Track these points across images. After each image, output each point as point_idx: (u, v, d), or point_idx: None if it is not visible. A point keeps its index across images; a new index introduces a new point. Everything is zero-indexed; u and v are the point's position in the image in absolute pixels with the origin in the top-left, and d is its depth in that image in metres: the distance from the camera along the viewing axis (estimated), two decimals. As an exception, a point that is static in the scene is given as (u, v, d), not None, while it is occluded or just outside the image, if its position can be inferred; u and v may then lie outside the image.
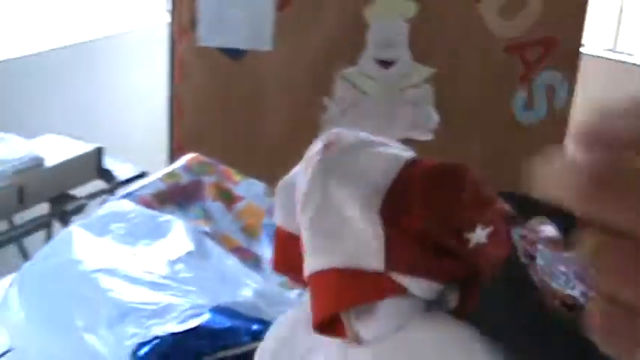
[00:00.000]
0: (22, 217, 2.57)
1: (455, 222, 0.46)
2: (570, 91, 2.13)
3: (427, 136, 2.11)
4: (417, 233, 0.46)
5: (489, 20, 2.07)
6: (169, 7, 2.14)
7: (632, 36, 3.50)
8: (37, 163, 2.46)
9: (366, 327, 0.48)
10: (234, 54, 2.08)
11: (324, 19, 2.06)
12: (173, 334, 0.87)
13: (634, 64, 3.46)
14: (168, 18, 2.16)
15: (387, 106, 2.10)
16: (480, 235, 0.45)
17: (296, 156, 0.64)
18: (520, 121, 2.14)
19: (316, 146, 0.54)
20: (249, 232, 1.17)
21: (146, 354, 0.85)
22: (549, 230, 0.50)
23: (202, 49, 2.08)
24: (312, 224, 0.50)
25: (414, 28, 2.06)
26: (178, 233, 1.09)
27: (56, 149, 2.60)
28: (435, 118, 2.11)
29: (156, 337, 0.86)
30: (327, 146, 0.53)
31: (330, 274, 0.48)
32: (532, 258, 0.46)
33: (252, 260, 1.09)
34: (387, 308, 0.47)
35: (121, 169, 2.69)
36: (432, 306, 0.47)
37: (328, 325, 0.50)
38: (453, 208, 0.47)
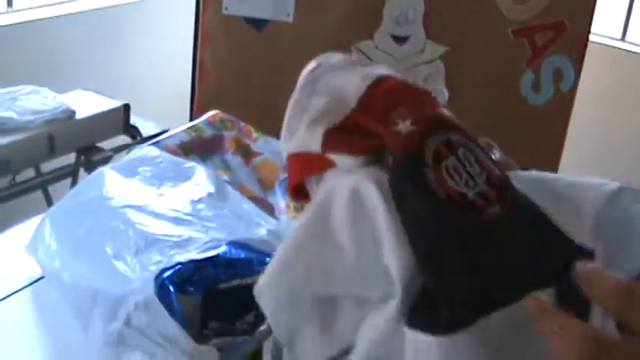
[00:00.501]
0: (48, 166, 2.63)
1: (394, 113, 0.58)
2: (577, 76, 2.15)
3: (437, 112, 2.15)
4: (356, 124, 0.60)
5: (501, 2, 2.08)
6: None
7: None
8: (69, 114, 2.52)
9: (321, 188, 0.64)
10: (256, 24, 2.11)
11: (343, -7, 2.07)
12: (193, 260, 0.91)
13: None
14: (195, -15, 2.19)
15: (400, 80, 2.13)
16: (404, 126, 0.55)
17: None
18: (527, 101, 2.16)
19: (309, 66, 0.68)
20: (265, 184, 1.21)
21: (168, 277, 0.89)
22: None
23: (227, 17, 2.10)
24: (287, 124, 0.66)
25: (427, 6, 2.07)
26: (200, 177, 1.13)
27: (86, 104, 2.64)
28: (446, 94, 2.12)
29: (178, 263, 0.91)
30: (316, 66, 0.67)
31: (295, 156, 0.65)
32: (440, 160, 0.53)
33: (266, 208, 1.13)
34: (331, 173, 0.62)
35: (145, 126, 2.75)
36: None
37: (303, 194, 0.66)
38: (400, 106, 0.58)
